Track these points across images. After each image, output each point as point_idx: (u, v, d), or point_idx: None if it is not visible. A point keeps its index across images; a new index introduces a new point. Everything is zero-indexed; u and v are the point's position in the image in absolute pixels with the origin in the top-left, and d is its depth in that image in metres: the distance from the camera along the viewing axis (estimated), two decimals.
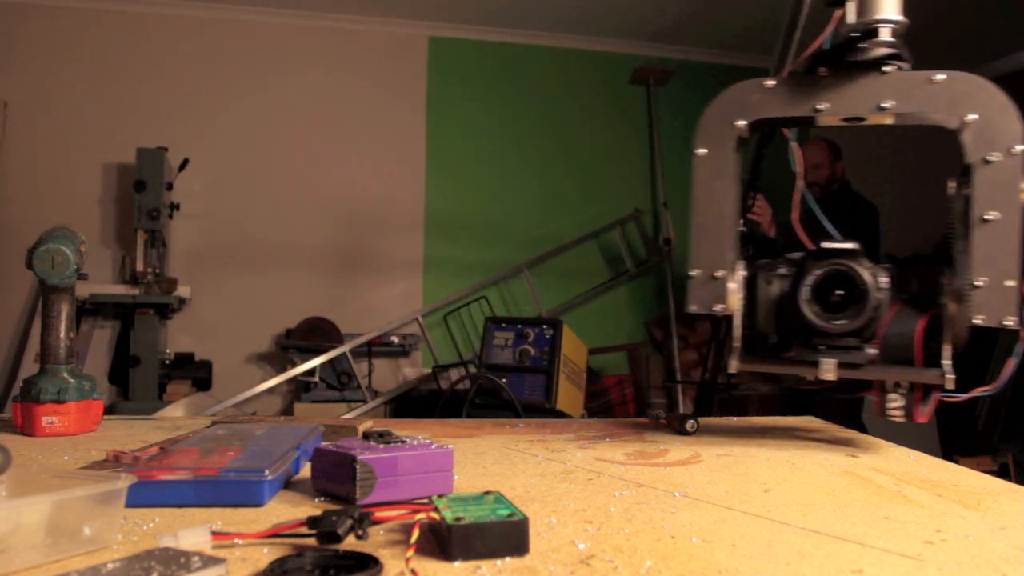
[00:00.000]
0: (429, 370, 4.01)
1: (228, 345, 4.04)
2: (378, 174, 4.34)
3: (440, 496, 0.62)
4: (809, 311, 0.69)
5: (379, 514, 0.59)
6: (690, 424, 1.10)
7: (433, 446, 0.70)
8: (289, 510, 0.66)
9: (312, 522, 0.55)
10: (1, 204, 3.85)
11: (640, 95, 4.65)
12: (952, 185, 0.76)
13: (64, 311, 1.09)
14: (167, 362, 3.68)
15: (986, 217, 0.72)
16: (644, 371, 4.15)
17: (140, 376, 3.46)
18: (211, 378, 3.75)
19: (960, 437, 3.99)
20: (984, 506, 0.69)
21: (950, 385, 0.72)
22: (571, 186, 4.53)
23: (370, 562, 0.50)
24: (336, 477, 0.67)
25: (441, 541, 0.54)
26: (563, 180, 4.54)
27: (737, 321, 0.74)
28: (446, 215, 4.40)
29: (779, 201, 4.26)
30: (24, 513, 0.51)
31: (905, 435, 3.70)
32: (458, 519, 0.52)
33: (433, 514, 0.55)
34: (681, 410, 3.32)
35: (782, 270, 0.75)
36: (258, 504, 0.66)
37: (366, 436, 0.72)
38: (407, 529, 0.57)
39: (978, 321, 0.71)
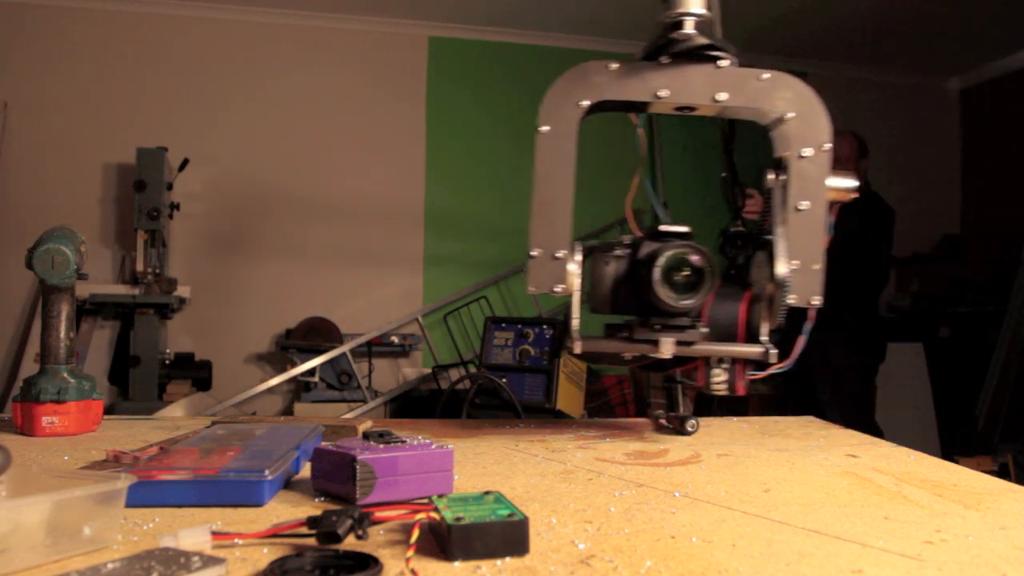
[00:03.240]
0: (429, 370, 4.00)
1: (228, 345, 4.04)
2: (378, 174, 4.34)
3: (440, 496, 0.62)
4: (663, 292, 0.71)
5: (379, 514, 0.59)
6: (690, 424, 1.10)
7: (433, 446, 0.70)
8: (289, 510, 0.66)
9: (312, 522, 0.55)
10: (1, 204, 3.85)
11: None
12: (771, 177, 0.80)
13: (64, 311, 1.09)
14: (167, 362, 3.68)
15: (799, 207, 0.77)
16: (644, 371, 4.14)
17: (140, 376, 3.45)
18: (211, 378, 3.75)
19: (960, 437, 3.99)
20: (984, 506, 0.69)
21: (774, 359, 0.78)
22: None
23: (370, 562, 0.50)
24: (336, 477, 0.67)
25: (441, 541, 0.54)
26: None
27: (577, 302, 0.76)
28: (446, 215, 4.40)
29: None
30: (24, 513, 0.51)
31: (905, 435, 3.70)
32: (458, 519, 0.52)
33: (433, 514, 0.55)
34: (681, 410, 3.31)
35: (618, 252, 0.78)
36: (258, 504, 0.66)
37: (366, 436, 0.72)
38: (407, 529, 0.57)
39: (791, 301, 0.77)
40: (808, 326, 0.83)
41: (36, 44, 3.95)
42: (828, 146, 0.79)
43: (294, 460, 0.77)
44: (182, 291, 3.70)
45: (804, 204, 0.78)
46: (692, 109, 0.82)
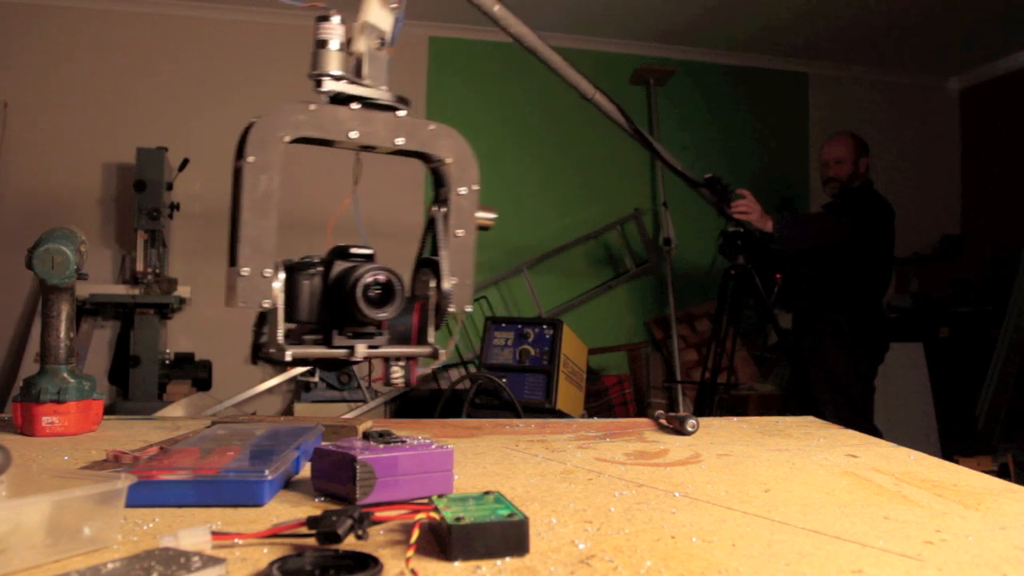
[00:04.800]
0: (429, 370, 4.00)
1: (228, 345, 4.03)
2: (377, 173, 4.33)
3: (440, 496, 0.62)
4: (364, 307, 0.87)
5: (379, 514, 0.59)
6: (690, 424, 1.10)
7: (433, 446, 0.70)
8: (289, 510, 0.66)
9: (312, 522, 0.55)
10: (1, 204, 3.85)
11: (640, 95, 4.65)
12: (434, 208, 1.02)
13: (64, 311, 1.09)
14: (167, 362, 3.68)
15: (457, 234, 0.99)
16: (644, 371, 4.15)
17: (140, 376, 3.45)
18: (211, 378, 3.75)
19: (960, 437, 3.99)
20: (984, 506, 0.69)
21: (443, 356, 0.97)
22: (571, 186, 4.53)
23: (370, 562, 0.50)
24: (336, 477, 0.67)
25: (441, 541, 0.54)
26: (563, 180, 4.53)
27: (281, 315, 0.89)
28: None
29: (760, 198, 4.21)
30: (24, 513, 0.51)
31: (905, 435, 3.71)
32: (458, 519, 0.53)
33: (433, 514, 0.55)
34: (681, 410, 3.32)
35: (312, 271, 0.95)
36: (258, 504, 0.66)
37: (366, 436, 0.72)
38: (407, 529, 0.57)
39: (451, 309, 0.97)
40: (457, 327, 1.05)
41: (36, 44, 3.95)
42: (477, 187, 1.02)
43: (294, 460, 0.77)
44: (182, 291, 3.70)
45: (460, 232, 1.00)
46: (374, 148, 1.00)
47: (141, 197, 3.52)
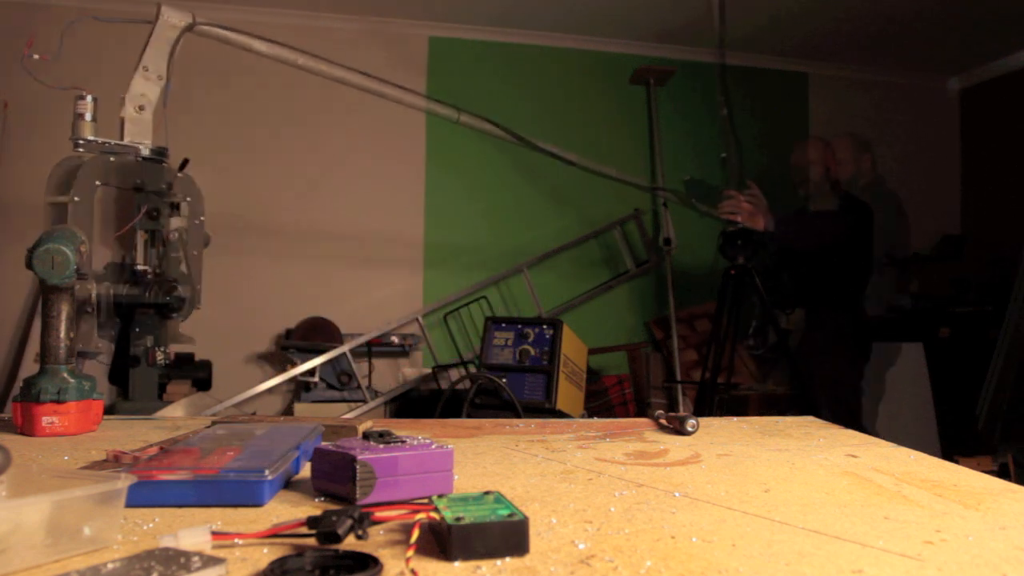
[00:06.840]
0: (429, 370, 4.00)
1: (228, 345, 4.04)
2: (378, 174, 4.34)
3: (440, 496, 0.62)
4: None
5: (379, 514, 0.59)
6: (690, 424, 1.10)
7: (433, 446, 0.70)
8: (289, 510, 0.66)
9: (312, 522, 0.55)
10: (1, 204, 3.85)
11: (640, 95, 4.65)
12: (174, 233, 1.21)
13: (64, 311, 1.09)
14: (167, 362, 3.67)
15: (193, 253, 1.23)
16: (644, 371, 4.15)
17: (140, 376, 3.45)
18: (211, 378, 3.75)
19: (960, 437, 3.99)
20: (984, 506, 0.69)
21: (192, 343, 1.30)
22: (571, 186, 4.53)
23: (370, 562, 0.50)
24: (336, 477, 0.67)
25: (441, 541, 0.54)
26: (563, 180, 4.53)
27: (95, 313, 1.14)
28: (447, 214, 4.39)
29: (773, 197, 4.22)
30: (24, 513, 0.51)
31: (905, 435, 3.70)
32: (458, 519, 0.53)
33: (433, 514, 0.55)
34: (681, 410, 3.32)
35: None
36: (258, 504, 0.66)
37: (366, 436, 0.72)
38: (407, 529, 0.57)
39: (182, 314, 1.25)
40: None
41: (36, 44, 3.94)
42: (203, 218, 1.22)
43: (294, 460, 0.77)
44: (182, 291, 3.70)
45: (195, 251, 1.19)
46: (145, 189, 1.24)
47: (141, 197, 3.51)
